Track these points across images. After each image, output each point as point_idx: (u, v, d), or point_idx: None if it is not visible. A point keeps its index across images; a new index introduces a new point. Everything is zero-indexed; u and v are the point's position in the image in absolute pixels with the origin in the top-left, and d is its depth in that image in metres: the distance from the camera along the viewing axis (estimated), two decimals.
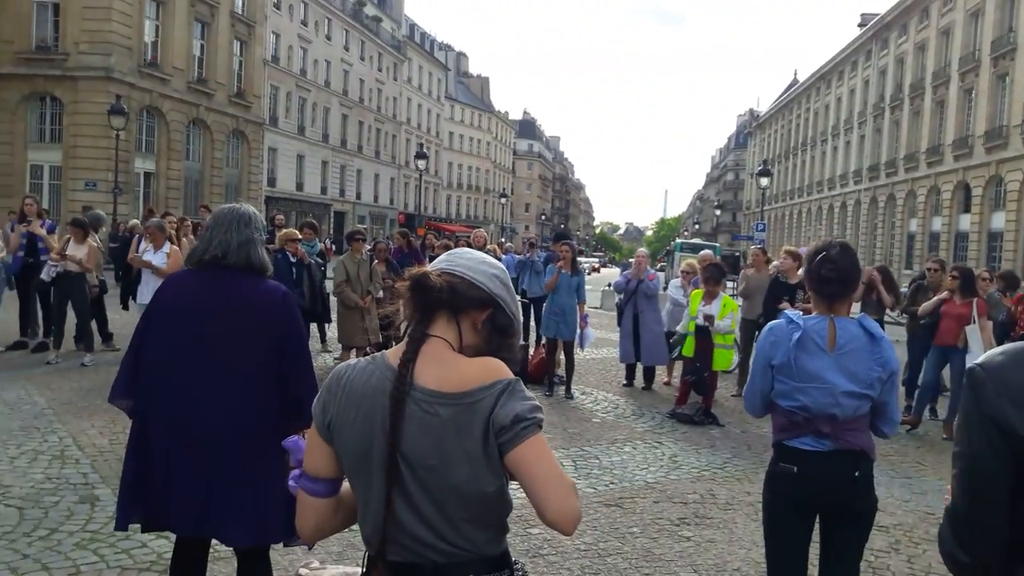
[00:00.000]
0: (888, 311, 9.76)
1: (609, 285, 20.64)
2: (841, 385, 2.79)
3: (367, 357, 1.69)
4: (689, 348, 8.60)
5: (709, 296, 8.61)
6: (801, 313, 3.04)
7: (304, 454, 1.68)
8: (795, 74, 76.09)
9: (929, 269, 9.55)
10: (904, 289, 11.19)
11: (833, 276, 2.87)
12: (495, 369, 1.58)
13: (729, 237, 78.89)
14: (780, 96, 76.40)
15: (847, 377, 2.80)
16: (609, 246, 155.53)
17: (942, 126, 38.91)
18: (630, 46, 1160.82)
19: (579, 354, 10.67)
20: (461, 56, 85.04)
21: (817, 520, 2.95)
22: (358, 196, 53.87)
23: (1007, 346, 1.43)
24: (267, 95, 41.09)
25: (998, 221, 32.93)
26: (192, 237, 10.22)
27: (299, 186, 45.97)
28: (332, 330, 10.83)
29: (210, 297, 2.85)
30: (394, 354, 1.63)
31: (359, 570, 3.66)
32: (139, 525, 2.96)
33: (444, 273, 1.65)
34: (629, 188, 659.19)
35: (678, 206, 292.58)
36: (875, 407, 2.89)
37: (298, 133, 45.77)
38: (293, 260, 9.27)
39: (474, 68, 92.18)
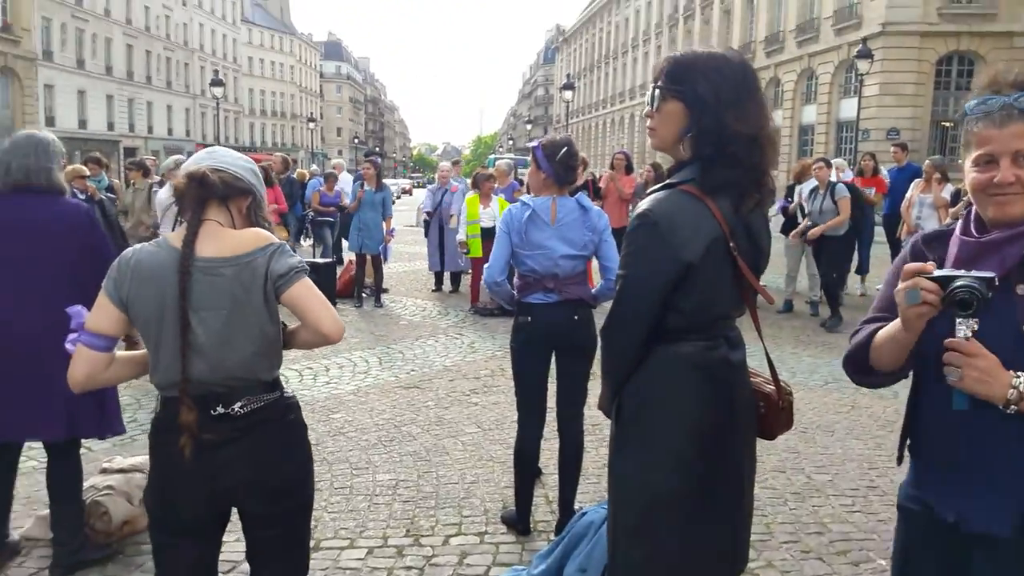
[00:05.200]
0: None
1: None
2: (559, 250, 3.51)
3: (151, 242, 2.09)
4: (477, 249, 9.31)
5: (485, 199, 9.43)
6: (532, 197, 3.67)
7: (90, 316, 2.05)
8: None
9: None
10: None
11: (575, 164, 3.63)
12: (265, 236, 2.06)
13: None
14: (584, 10, 78.06)
15: (565, 243, 3.52)
16: (428, 167, 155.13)
17: (728, 32, 41.59)
18: None
19: (390, 267, 11.20)
20: None
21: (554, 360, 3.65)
22: (150, 130, 50.35)
23: (662, 194, 1.99)
24: (38, 27, 37.16)
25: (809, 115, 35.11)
26: None
27: (82, 124, 42.36)
28: None
29: (15, 218, 3.07)
30: (176, 237, 2.03)
31: None
32: None
33: (215, 170, 2.08)
34: (446, 109, 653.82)
35: (494, 124, 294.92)
36: (601, 267, 3.63)
37: (77, 67, 41.89)
38: (83, 197, 9.00)
39: None
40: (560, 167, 3.57)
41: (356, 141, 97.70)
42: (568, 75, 50.83)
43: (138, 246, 2.09)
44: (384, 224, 10.02)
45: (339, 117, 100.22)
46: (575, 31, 79.41)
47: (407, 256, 14.28)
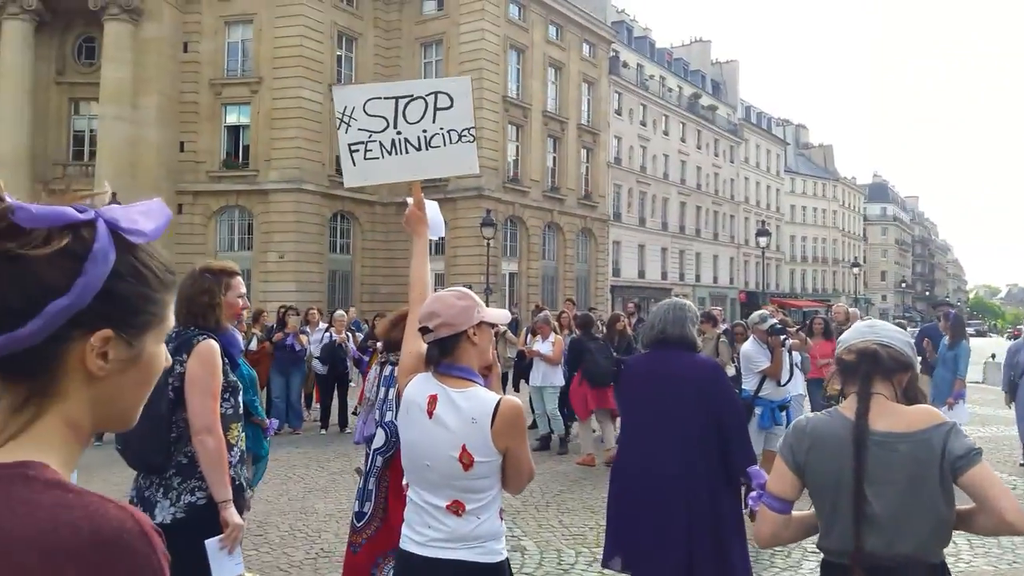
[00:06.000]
0: None
1: (992, 356, 18.62)
2: None
3: (824, 411, 2.26)
4: None
5: None
6: None
7: (769, 479, 2.27)
8: None
9: None
10: None
11: None
12: (935, 414, 2.12)
13: None
14: None
15: None
16: (987, 312, 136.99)
17: None
18: (1003, 85, 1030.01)
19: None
20: (800, 128, 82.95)
21: None
22: (697, 278, 54.51)
23: None
24: (611, 194, 43.95)
25: None
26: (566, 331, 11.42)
27: (640, 274, 47.93)
28: None
29: (656, 369, 3.64)
30: (846, 408, 2.18)
31: None
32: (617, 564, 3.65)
33: (884, 346, 2.20)
34: (1012, 244, 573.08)
35: None
36: None
37: (639, 225, 48.01)
38: None
39: (815, 138, 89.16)
40: None
41: (903, 285, 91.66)
42: None
43: (811, 414, 2.25)
44: (954, 384, 9.11)
45: (883, 260, 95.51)
46: None
47: (980, 419, 12.62)
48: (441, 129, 2.99)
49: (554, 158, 38.18)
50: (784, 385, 7.13)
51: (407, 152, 3.01)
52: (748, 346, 7.37)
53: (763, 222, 50.58)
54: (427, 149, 3.00)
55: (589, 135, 40.49)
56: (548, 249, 37.89)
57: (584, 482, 8.22)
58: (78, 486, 0.83)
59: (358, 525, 4.05)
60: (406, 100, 3.00)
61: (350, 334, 11.95)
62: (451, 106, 3.00)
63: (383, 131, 3.01)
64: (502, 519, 2.42)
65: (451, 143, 3.00)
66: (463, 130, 3.01)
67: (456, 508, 2.29)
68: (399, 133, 3.00)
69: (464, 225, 31.95)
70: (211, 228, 31.06)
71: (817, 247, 76.35)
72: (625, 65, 47.02)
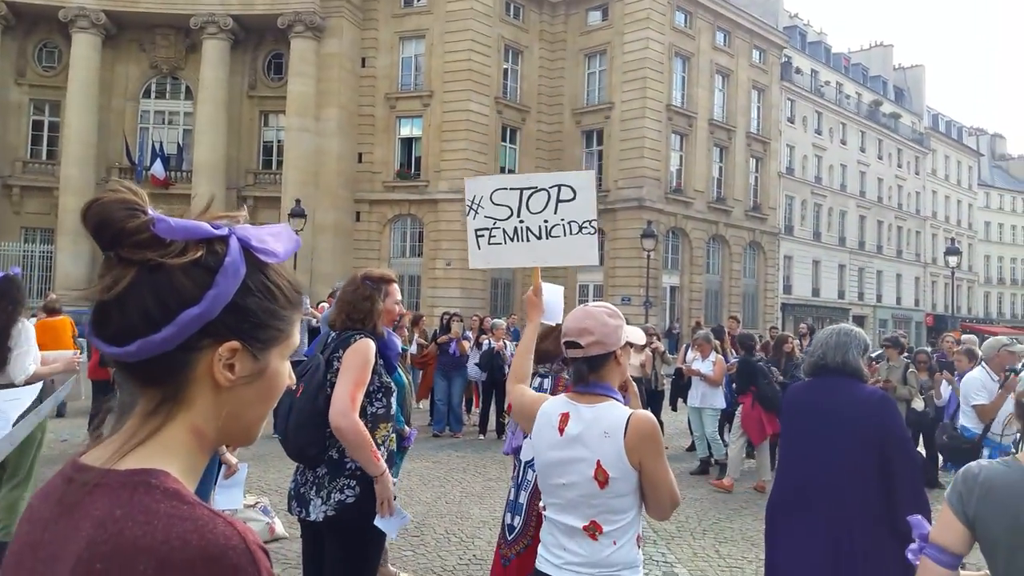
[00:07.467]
0: None
1: None
2: None
3: (1000, 460, 1.98)
4: None
5: None
6: None
7: (934, 528, 2.01)
8: None
9: None
10: None
11: None
12: None
13: None
14: None
15: None
16: None
17: None
18: None
19: None
20: (996, 138, 76.01)
21: None
22: (878, 299, 51.04)
23: None
24: (782, 206, 42.08)
25: None
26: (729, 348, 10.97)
27: (815, 291, 45.52)
28: None
29: (814, 400, 3.35)
30: None
31: None
32: None
33: None
34: None
35: None
36: None
37: (813, 239, 45.66)
38: None
39: (1015, 149, 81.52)
40: None
41: None
42: None
43: (984, 461, 1.97)
44: None
45: None
46: None
47: None
48: (562, 220, 3.15)
49: (720, 168, 37.02)
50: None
51: (528, 240, 3.20)
52: (976, 375, 6.36)
53: (953, 239, 46.67)
54: (547, 238, 3.17)
55: (759, 144, 39.00)
56: (712, 263, 36.78)
57: (744, 511, 7.79)
58: (194, 497, 0.86)
59: (509, 538, 3.97)
60: (530, 192, 3.19)
61: (506, 342, 12.10)
62: (573, 198, 3.13)
63: (507, 219, 3.23)
64: (640, 547, 2.37)
65: (571, 234, 3.14)
66: (584, 222, 3.14)
67: (593, 530, 2.28)
68: (521, 222, 3.20)
69: (624, 236, 31.63)
70: (385, 235, 32.61)
71: (1017, 268, 69.58)
72: (798, 71, 45.01)
